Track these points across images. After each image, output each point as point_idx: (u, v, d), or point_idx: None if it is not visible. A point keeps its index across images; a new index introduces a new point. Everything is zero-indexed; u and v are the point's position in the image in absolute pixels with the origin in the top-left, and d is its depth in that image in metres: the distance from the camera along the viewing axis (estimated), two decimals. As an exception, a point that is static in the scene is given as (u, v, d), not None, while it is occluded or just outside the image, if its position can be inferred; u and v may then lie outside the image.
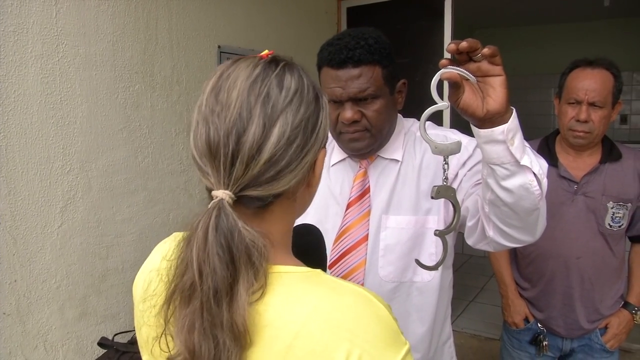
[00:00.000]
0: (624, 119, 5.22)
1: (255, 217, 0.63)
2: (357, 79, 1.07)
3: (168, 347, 0.61)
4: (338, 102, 1.10)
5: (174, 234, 0.73)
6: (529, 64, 5.48)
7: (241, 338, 0.56)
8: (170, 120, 2.21)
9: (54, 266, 1.78)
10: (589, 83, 1.56)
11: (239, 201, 0.60)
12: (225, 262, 0.56)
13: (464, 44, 0.77)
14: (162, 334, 0.61)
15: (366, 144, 1.14)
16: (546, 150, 1.72)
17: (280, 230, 0.66)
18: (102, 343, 1.82)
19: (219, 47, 2.42)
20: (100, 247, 1.95)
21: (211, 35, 2.40)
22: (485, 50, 0.77)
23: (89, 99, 1.87)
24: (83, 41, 1.84)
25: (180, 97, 2.25)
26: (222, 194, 0.59)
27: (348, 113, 1.09)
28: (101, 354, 1.81)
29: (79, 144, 1.84)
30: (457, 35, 3.11)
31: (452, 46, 0.79)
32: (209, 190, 0.62)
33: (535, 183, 0.86)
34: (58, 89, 1.76)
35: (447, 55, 0.87)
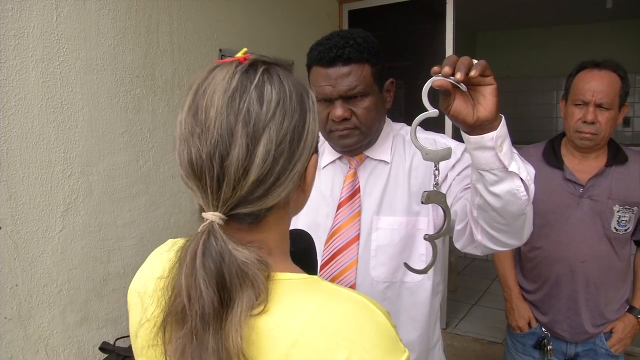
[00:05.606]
0: (626, 122, 5.19)
1: (249, 230, 0.63)
2: (346, 76, 1.09)
3: None
4: (328, 101, 1.11)
5: (169, 241, 0.73)
6: (532, 67, 5.47)
7: None
8: (171, 124, 2.20)
9: (55, 270, 1.78)
10: (596, 84, 1.56)
11: (232, 218, 0.60)
12: (212, 287, 0.55)
13: (446, 69, 0.80)
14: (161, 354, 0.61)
15: (356, 141, 1.15)
16: (552, 153, 1.70)
17: (276, 237, 0.66)
18: (104, 348, 1.82)
19: (220, 50, 2.42)
20: (102, 252, 1.94)
21: (212, 39, 2.40)
22: (473, 73, 0.79)
23: (90, 103, 1.87)
24: (84, 45, 1.83)
25: (182, 101, 2.22)
26: (212, 216, 0.58)
27: (338, 111, 1.10)
28: (103, 359, 1.81)
29: (80, 148, 1.84)
30: (459, 38, 3.11)
31: (436, 69, 0.81)
32: (200, 208, 0.61)
33: (523, 189, 0.88)
34: (59, 93, 1.76)
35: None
